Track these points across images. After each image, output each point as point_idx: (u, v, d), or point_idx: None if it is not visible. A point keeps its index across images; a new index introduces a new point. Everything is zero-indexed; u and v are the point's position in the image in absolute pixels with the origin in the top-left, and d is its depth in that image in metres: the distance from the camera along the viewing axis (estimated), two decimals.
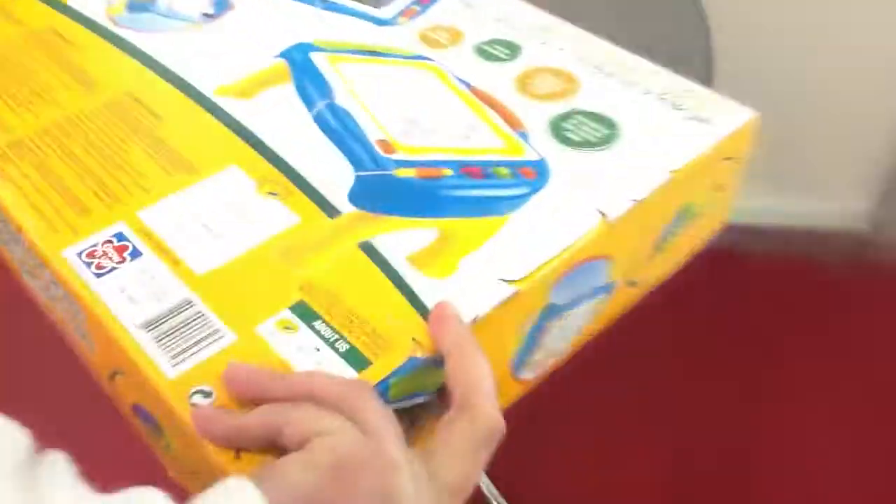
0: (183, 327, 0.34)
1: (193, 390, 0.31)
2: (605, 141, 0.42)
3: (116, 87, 0.46)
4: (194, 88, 0.46)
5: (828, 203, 1.29)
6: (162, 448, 0.36)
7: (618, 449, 1.13)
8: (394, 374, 0.32)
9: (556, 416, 1.15)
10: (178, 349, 0.33)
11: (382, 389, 0.32)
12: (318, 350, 0.33)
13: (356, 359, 0.32)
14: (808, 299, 1.25)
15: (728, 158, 0.44)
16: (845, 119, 1.16)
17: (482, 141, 0.42)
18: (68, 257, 0.37)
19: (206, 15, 0.51)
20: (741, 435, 1.12)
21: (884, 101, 1.13)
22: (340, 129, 0.43)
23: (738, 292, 1.27)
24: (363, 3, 0.53)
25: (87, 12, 0.52)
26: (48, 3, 0.52)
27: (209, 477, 0.29)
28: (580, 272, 0.38)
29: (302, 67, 0.47)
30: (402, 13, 0.52)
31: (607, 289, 0.41)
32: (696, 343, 1.21)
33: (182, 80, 0.46)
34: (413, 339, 0.33)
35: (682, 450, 1.11)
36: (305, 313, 0.34)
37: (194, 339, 0.33)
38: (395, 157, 0.41)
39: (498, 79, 0.47)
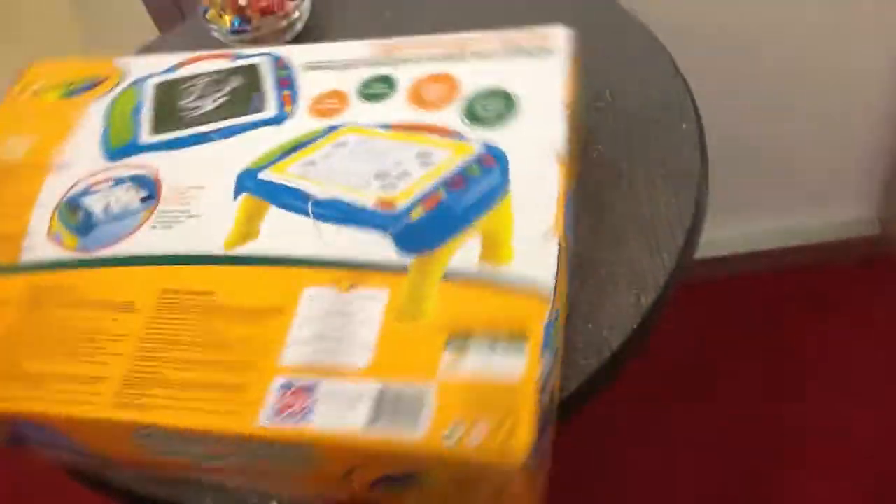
0: (395, 408, 0.45)
1: (444, 435, 0.43)
2: (510, 106, 0.56)
3: (149, 293, 0.53)
4: (210, 256, 0.54)
5: (836, 216, 1.32)
6: (410, 497, 0.48)
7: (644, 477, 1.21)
8: (546, 337, 0.46)
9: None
10: (408, 419, 0.44)
11: (546, 353, 0.45)
12: (491, 355, 0.45)
13: (517, 343, 0.45)
14: (826, 305, 1.33)
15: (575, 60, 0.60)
16: (839, 131, 1.19)
17: (439, 158, 0.55)
18: (268, 423, 0.46)
19: (144, 200, 0.58)
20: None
21: (873, 106, 1.15)
22: (342, 214, 0.54)
23: (758, 313, 1.35)
24: (246, 115, 0.61)
25: (49, 257, 0.56)
26: (7, 272, 0.56)
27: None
28: (568, 198, 0.53)
29: (265, 191, 0.56)
30: (282, 104, 0.61)
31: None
32: (717, 363, 1.31)
33: (192, 256, 0.54)
34: (537, 303, 0.47)
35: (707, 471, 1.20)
36: (459, 340, 0.46)
37: (412, 408, 0.45)
38: (399, 207, 0.53)
39: (398, 109, 0.58)
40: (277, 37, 0.78)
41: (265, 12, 0.78)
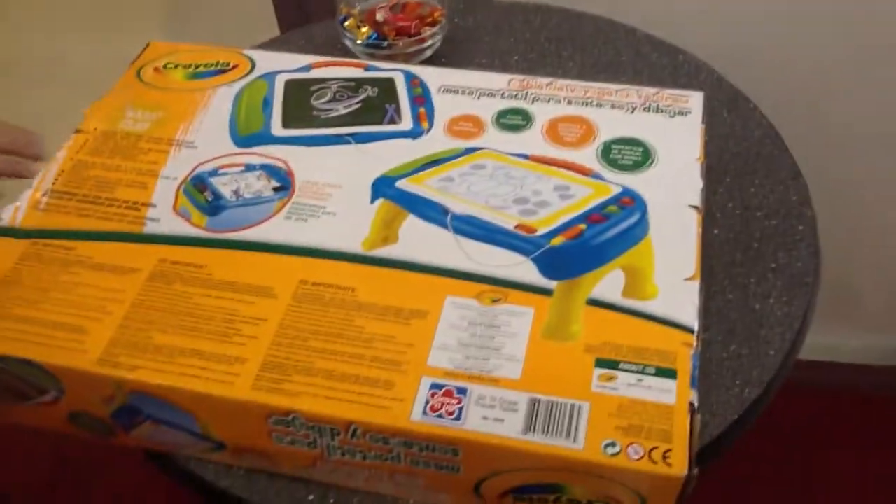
0: (550, 418, 0.46)
1: (604, 444, 0.45)
2: (646, 156, 0.59)
3: (288, 281, 0.53)
4: (347, 253, 0.54)
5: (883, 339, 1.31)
6: None
7: None
8: (692, 371, 0.48)
9: None
10: (564, 431, 0.45)
11: (693, 384, 0.47)
12: (641, 380, 0.47)
13: (667, 373, 0.47)
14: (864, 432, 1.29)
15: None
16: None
17: (579, 193, 0.57)
18: (420, 419, 0.46)
19: (276, 189, 0.58)
20: None
21: None
22: (480, 231, 0.55)
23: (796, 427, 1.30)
24: (380, 124, 0.62)
25: (177, 231, 0.56)
26: (132, 240, 0.55)
27: None
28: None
29: (403, 198, 0.57)
30: (418, 120, 0.63)
31: None
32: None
33: (330, 251, 0.54)
34: (682, 343, 0.49)
35: None
36: (608, 363, 0.48)
37: (566, 420, 0.46)
38: (539, 233, 0.55)
39: (534, 142, 0.61)
40: (408, 59, 0.80)
41: (401, 33, 0.80)
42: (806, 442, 1.32)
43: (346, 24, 0.81)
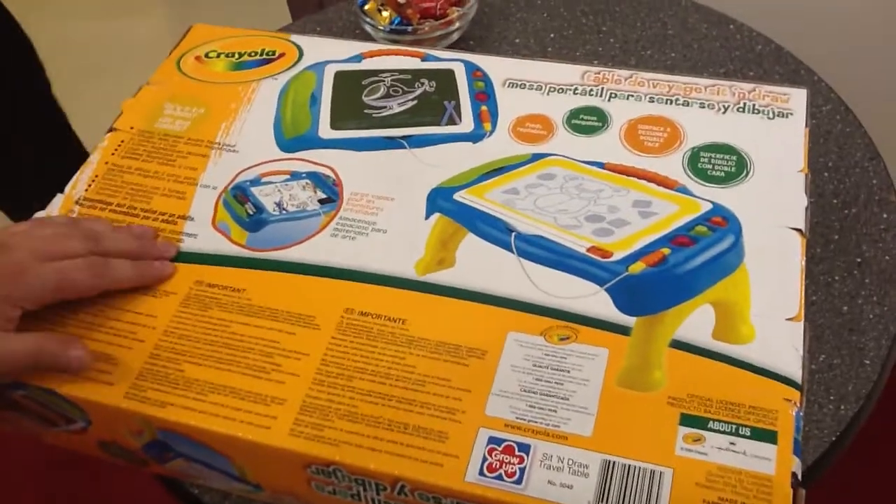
0: (627, 486, 0.40)
1: None
2: (741, 166, 0.52)
3: (332, 309, 0.47)
4: (398, 278, 0.48)
5: None
6: None
7: None
8: (796, 433, 0.41)
9: None
10: (643, 503, 0.39)
11: (797, 450, 0.41)
12: (733, 443, 0.41)
13: (765, 436, 0.41)
14: None
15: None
16: None
17: (663, 210, 0.50)
18: (475, 480, 0.41)
19: (322, 202, 0.53)
20: None
21: None
22: (547, 254, 0.49)
23: None
24: (437, 125, 0.56)
25: (215, 249, 0.51)
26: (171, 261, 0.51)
27: None
28: None
29: (462, 213, 0.51)
30: (479, 120, 0.56)
31: None
32: None
33: (380, 276, 0.49)
34: (784, 399, 0.42)
35: None
36: (695, 421, 0.42)
37: (645, 489, 0.40)
38: (615, 258, 0.48)
39: (611, 148, 0.54)
40: (434, 42, 0.73)
41: (425, 15, 0.74)
42: None
43: (366, 7, 0.74)
